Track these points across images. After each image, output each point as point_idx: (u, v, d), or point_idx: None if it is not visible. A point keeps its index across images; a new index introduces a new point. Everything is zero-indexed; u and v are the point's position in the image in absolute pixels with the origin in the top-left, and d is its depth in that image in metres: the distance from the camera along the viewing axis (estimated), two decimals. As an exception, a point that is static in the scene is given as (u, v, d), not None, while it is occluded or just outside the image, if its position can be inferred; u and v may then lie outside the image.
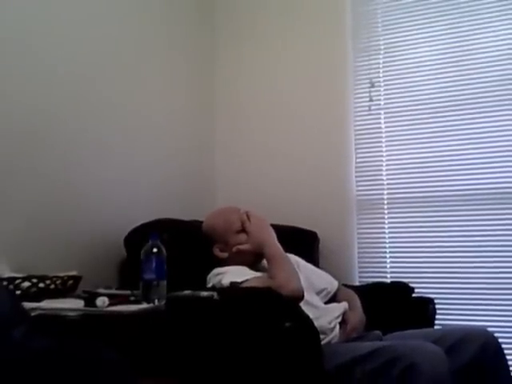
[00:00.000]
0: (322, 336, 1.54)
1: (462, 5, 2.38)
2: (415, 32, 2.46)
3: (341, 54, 2.57)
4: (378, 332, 1.83)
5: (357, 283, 2.40)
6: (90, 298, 1.45)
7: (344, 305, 1.89)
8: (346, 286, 2.11)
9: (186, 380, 1.30)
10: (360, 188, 2.51)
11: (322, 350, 1.39)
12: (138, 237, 1.83)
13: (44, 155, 1.88)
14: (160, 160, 2.39)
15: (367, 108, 2.51)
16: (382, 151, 2.49)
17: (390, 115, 2.49)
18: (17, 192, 1.78)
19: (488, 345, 1.66)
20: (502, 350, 1.69)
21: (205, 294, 1.47)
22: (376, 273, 2.44)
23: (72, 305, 1.47)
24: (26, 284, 1.55)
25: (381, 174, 2.48)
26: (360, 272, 2.47)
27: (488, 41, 2.34)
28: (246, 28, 2.78)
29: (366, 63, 2.53)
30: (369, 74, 2.51)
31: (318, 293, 1.95)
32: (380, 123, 2.50)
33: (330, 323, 1.78)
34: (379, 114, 2.50)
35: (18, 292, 1.52)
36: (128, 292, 1.54)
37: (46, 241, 1.84)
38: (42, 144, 1.87)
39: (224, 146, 2.75)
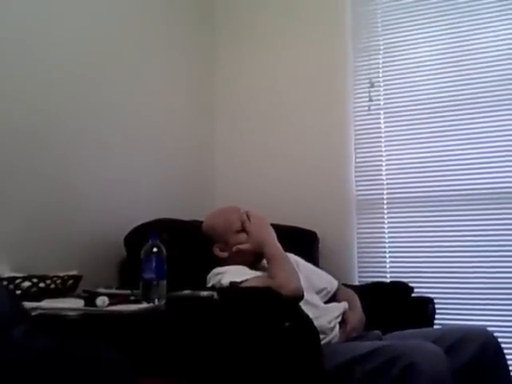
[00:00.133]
0: (321, 336, 1.54)
1: (462, 5, 2.39)
2: (415, 32, 2.46)
3: (341, 54, 2.57)
4: (377, 332, 1.83)
5: (356, 283, 2.40)
6: (90, 298, 1.45)
7: (344, 304, 1.89)
8: (345, 285, 2.11)
9: (186, 379, 1.30)
10: (360, 188, 2.51)
11: (322, 349, 1.39)
12: (138, 236, 1.83)
13: (44, 155, 1.88)
14: (160, 160, 2.39)
15: (367, 108, 2.51)
16: (381, 151, 2.49)
17: (389, 115, 2.49)
18: (17, 192, 1.78)
19: (487, 344, 1.66)
20: (501, 349, 1.69)
21: (204, 293, 1.47)
22: (375, 272, 2.44)
23: (72, 304, 1.48)
24: (27, 284, 1.55)
25: (380, 174, 2.49)
26: (360, 272, 2.48)
27: (488, 41, 2.34)
28: (245, 28, 2.78)
29: (366, 63, 2.53)
30: (368, 74, 2.52)
31: (318, 292, 1.96)
32: (380, 123, 2.50)
33: (329, 323, 1.78)
34: (379, 114, 2.51)
35: (19, 292, 1.52)
36: (128, 292, 1.55)
37: (46, 240, 1.84)
38: (42, 144, 1.87)
39: (224, 146, 2.75)
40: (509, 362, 1.71)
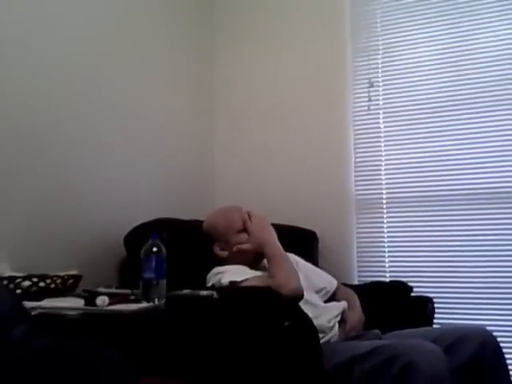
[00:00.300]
0: (321, 335, 1.54)
1: (462, 5, 2.39)
2: (414, 32, 2.47)
3: (340, 54, 2.57)
4: (376, 331, 1.83)
5: (356, 282, 2.41)
6: (90, 297, 1.45)
7: (343, 304, 1.90)
8: (345, 285, 2.12)
9: (185, 379, 1.30)
10: (359, 188, 2.52)
11: (321, 348, 1.39)
12: (138, 236, 1.83)
13: (44, 155, 1.88)
14: (160, 160, 2.40)
15: (366, 108, 2.51)
16: (380, 151, 2.49)
17: (388, 115, 2.49)
18: (17, 192, 1.78)
19: (486, 343, 1.66)
20: (500, 348, 1.69)
21: (204, 293, 1.47)
22: (375, 272, 2.45)
23: (72, 304, 1.48)
24: (27, 283, 1.56)
25: (380, 174, 2.49)
26: (359, 271, 2.48)
27: (487, 41, 2.34)
28: (245, 28, 2.79)
29: (365, 63, 2.53)
30: (368, 74, 2.52)
31: (318, 292, 1.96)
32: (379, 123, 2.50)
33: (329, 322, 1.78)
34: (378, 113, 2.51)
35: (19, 291, 1.52)
36: (128, 291, 1.55)
37: (46, 240, 1.84)
38: (42, 144, 1.88)
39: (224, 145, 2.76)
40: (508, 362, 1.71)
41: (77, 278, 1.71)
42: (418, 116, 2.43)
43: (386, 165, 2.48)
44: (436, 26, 2.43)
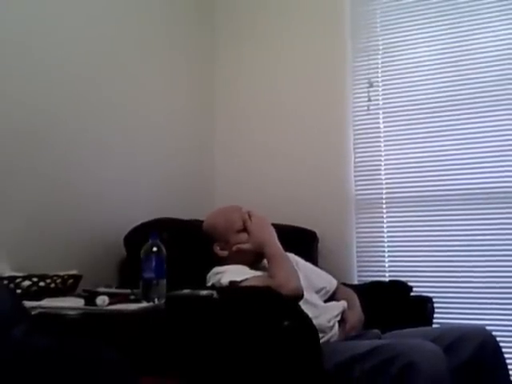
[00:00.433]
0: (321, 334, 1.54)
1: (461, 5, 2.39)
2: (414, 32, 2.47)
3: (340, 54, 2.58)
4: (376, 331, 1.83)
5: (355, 282, 2.41)
6: (90, 297, 1.45)
7: (343, 303, 1.90)
8: (344, 284, 2.12)
9: (185, 378, 1.31)
10: (359, 187, 2.52)
11: (321, 348, 1.39)
12: (138, 236, 1.83)
13: (44, 155, 1.88)
14: (160, 160, 2.40)
15: (366, 108, 2.52)
16: (380, 151, 2.49)
17: (388, 115, 2.49)
18: (17, 192, 1.78)
19: (486, 343, 1.66)
20: (500, 348, 1.70)
21: (204, 292, 1.47)
22: (374, 272, 2.45)
23: (72, 303, 1.48)
24: (27, 283, 1.56)
25: (379, 174, 2.49)
26: (359, 271, 2.48)
27: (487, 41, 2.34)
28: (245, 28, 2.79)
29: (365, 63, 2.54)
30: (367, 74, 2.52)
31: (317, 292, 1.96)
32: (378, 123, 2.51)
33: (329, 322, 1.78)
34: (378, 113, 2.51)
35: (19, 291, 1.53)
36: (128, 291, 1.55)
37: (46, 240, 1.84)
38: (42, 144, 1.88)
39: (224, 145, 2.76)
40: (507, 361, 1.71)
41: (77, 278, 1.71)
42: (417, 116, 2.44)
43: (385, 165, 2.49)
44: (436, 26, 2.43)
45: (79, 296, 1.54)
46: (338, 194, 2.53)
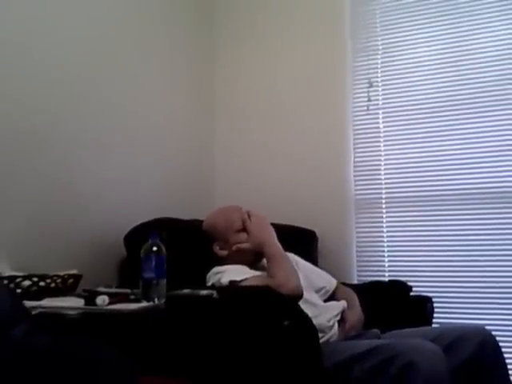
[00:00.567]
0: (320, 334, 1.54)
1: (461, 5, 2.39)
2: (414, 32, 2.47)
3: (340, 54, 2.58)
4: (376, 330, 1.83)
5: (355, 282, 2.41)
6: (90, 297, 1.45)
7: (343, 303, 1.90)
8: (344, 284, 2.12)
9: (185, 378, 1.31)
10: (358, 187, 2.52)
11: (321, 348, 1.40)
12: (138, 236, 1.83)
13: (44, 155, 1.88)
14: (160, 160, 2.40)
15: (366, 108, 2.52)
16: (380, 151, 2.50)
17: (388, 115, 2.50)
18: (17, 192, 1.78)
19: (485, 343, 1.66)
20: (499, 348, 1.70)
21: (204, 292, 1.47)
22: (374, 271, 2.45)
23: (72, 303, 1.48)
24: (27, 283, 1.56)
25: (379, 174, 2.49)
26: (358, 271, 2.48)
27: (487, 41, 2.34)
28: (245, 28, 2.79)
29: (365, 63, 2.54)
30: (367, 73, 2.52)
31: (317, 291, 1.96)
32: (378, 123, 2.51)
33: (328, 321, 1.78)
34: (377, 113, 2.51)
35: (19, 290, 1.53)
36: (128, 291, 1.55)
37: (46, 240, 1.84)
38: (42, 144, 1.88)
39: (224, 145, 2.76)
40: (507, 361, 1.71)
41: (77, 278, 1.71)
42: (417, 116, 2.44)
43: (385, 164, 2.49)
44: (436, 26, 2.43)
45: (79, 296, 1.54)
46: (337, 193, 2.53)
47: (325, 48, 2.60)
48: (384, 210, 2.48)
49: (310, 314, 1.40)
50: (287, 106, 2.66)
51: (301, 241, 2.32)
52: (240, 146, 2.74)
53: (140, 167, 2.29)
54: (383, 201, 2.48)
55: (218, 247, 1.93)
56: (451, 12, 2.41)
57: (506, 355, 1.71)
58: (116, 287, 1.70)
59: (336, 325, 1.81)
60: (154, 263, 1.47)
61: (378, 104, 2.52)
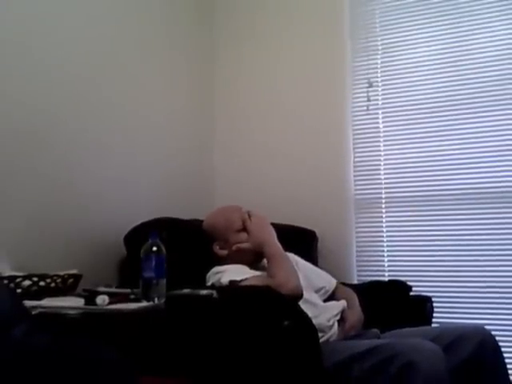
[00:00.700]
0: (320, 334, 1.55)
1: (461, 5, 2.39)
2: (413, 32, 2.47)
3: (339, 54, 2.58)
4: (376, 330, 1.83)
5: (355, 282, 2.41)
6: (90, 297, 1.45)
7: (342, 303, 1.90)
8: (344, 284, 2.12)
9: (185, 378, 1.31)
10: (358, 187, 2.52)
11: (321, 347, 1.40)
12: (138, 236, 1.83)
13: (44, 155, 1.89)
14: (160, 160, 2.40)
15: (365, 108, 2.52)
16: (379, 151, 2.50)
17: (387, 115, 2.50)
18: (17, 192, 1.78)
19: (485, 343, 1.67)
20: (499, 347, 1.70)
21: (204, 292, 1.48)
22: (374, 271, 2.45)
23: (72, 303, 1.48)
24: (27, 282, 1.56)
25: (379, 174, 2.49)
26: (358, 270, 2.48)
27: (486, 41, 2.34)
28: (245, 28, 2.79)
29: (364, 63, 2.54)
30: (367, 74, 2.53)
31: (317, 291, 1.96)
32: (378, 123, 2.51)
33: (328, 321, 1.79)
34: (377, 113, 2.51)
35: (19, 290, 1.53)
36: (128, 290, 1.55)
37: (46, 240, 1.85)
38: (42, 144, 1.88)
39: (224, 145, 2.76)
40: (506, 360, 1.71)
41: (77, 278, 1.71)
42: (417, 116, 2.44)
43: (385, 164, 2.49)
44: (435, 26, 2.43)
45: (79, 295, 1.54)
46: (337, 193, 2.53)
47: (324, 48, 2.61)
48: (384, 210, 2.48)
49: (309, 314, 1.40)
50: (287, 106, 2.66)
51: (301, 241, 2.32)
52: (240, 146, 2.74)
53: (140, 167, 2.29)
54: (383, 201, 2.48)
55: (217, 247, 1.93)
56: (451, 12, 2.41)
57: (505, 355, 1.71)
58: (116, 287, 1.71)
59: (336, 324, 1.81)
60: (153, 263, 1.47)
61: (377, 104, 2.52)
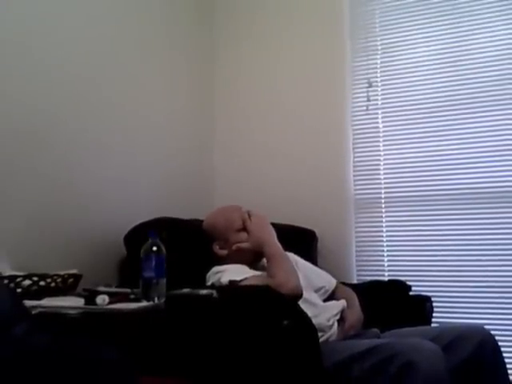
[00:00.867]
0: (320, 334, 1.55)
1: (461, 5, 2.39)
2: (413, 32, 2.47)
3: (339, 54, 2.58)
4: (375, 330, 1.84)
5: (355, 281, 2.41)
6: (90, 296, 1.46)
7: (342, 303, 1.90)
8: (344, 284, 2.12)
9: (185, 378, 1.31)
10: (358, 187, 2.52)
11: (320, 347, 1.40)
12: (138, 235, 1.83)
13: (44, 155, 1.89)
14: (160, 160, 2.40)
15: (365, 108, 2.52)
16: (379, 150, 2.50)
17: (387, 115, 2.50)
18: (17, 192, 1.78)
19: (485, 342, 1.67)
20: (498, 347, 1.70)
21: (204, 292, 1.48)
22: (374, 271, 2.45)
23: (72, 303, 1.48)
24: (27, 282, 1.56)
25: (378, 173, 2.50)
26: (358, 270, 2.49)
27: (486, 41, 2.34)
28: (245, 28, 2.79)
29: (364, 63, 2.54)
30: (367, 74, 2.53)
31: (317, 291, 1.97)
32: (378, 123, 2.51)
33: (328, 321, 1.79)
34: (377, 113, 2.52)
35: (19, 290, 1.53)
36: (128, 290, 1.55)
37: (46, 239, 1.85)
38: (42, 144, 1.88)
39: (223, 145, 2.76)
40: (506, 360, 1.71)
41: (77, 277, 1.72)
42: (416, 116, 2.44)
43: (384, 164, 2.49)
44: (435, 26, 2.43)
45: (79, 295, 1.54)
46: (337, 193, 2.53)
47: (324, 48, 2.61)
48: (383, 210, 2.48)
49: (309, 314, 1.40)
50: (287, 106, 2.66)
51: (300, 240, 2.32)
52: (240, 146, 2.74)
53: (140, 167, 2.29)
54: (382, 200, 2.48)
55: (217, 247, 1.93)
56: (451, 12, 2.41)
57: (505, 355, 1.71)
58: (116, 287, 1.71)
59: (335, 324, 1.81)
60: (153, 263, 1.48)
61: (377, 104, 2.52)
